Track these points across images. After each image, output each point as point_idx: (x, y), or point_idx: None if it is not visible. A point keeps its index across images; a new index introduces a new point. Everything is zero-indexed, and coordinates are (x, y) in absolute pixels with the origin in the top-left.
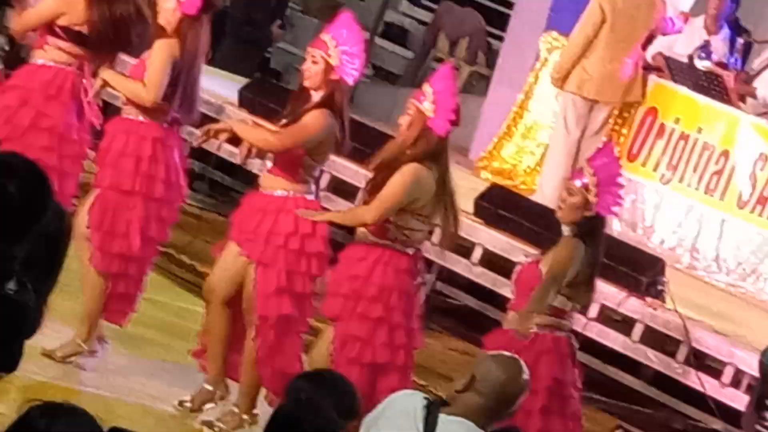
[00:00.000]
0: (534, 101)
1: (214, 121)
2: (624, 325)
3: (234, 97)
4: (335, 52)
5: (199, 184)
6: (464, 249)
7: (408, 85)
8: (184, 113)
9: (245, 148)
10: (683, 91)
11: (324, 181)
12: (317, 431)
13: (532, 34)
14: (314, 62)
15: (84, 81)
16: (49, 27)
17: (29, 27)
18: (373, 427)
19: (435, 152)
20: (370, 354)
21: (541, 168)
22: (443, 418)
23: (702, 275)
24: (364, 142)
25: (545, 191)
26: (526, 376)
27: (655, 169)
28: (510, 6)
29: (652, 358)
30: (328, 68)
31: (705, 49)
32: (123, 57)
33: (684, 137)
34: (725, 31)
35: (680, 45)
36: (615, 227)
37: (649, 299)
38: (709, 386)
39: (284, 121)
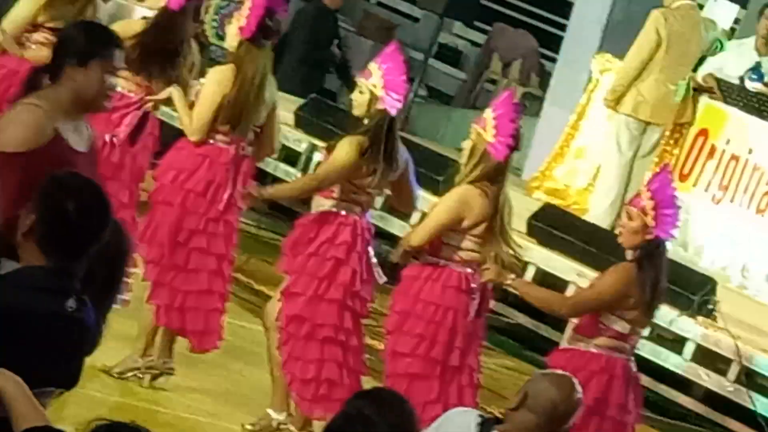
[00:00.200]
0: (586, 122)
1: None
2: (675, 344)
3: (290, 118)
4: (380, 83)
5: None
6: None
7: (461, 106)
8: (238, 135)
9: None
10: (734, 112)
11: (379, 200)
12: None
13: (585, 56)
14: (361, 92)
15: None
16: None
17: None
18: None
19: (492, 175)
20: (409, 366)
21: (594, 188)
22: None
23: (753, 294)
24: (418, 163)
25: (597, 211)
26: (579, 394)
27: (706, 190)
28: (563, 28)
29: (703, 377)
30: (374, 98)
31: (756, 70)
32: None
33: (735, 158)
34: None
35: (731, 66)
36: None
37: (700, 318)
38: (760, 404)
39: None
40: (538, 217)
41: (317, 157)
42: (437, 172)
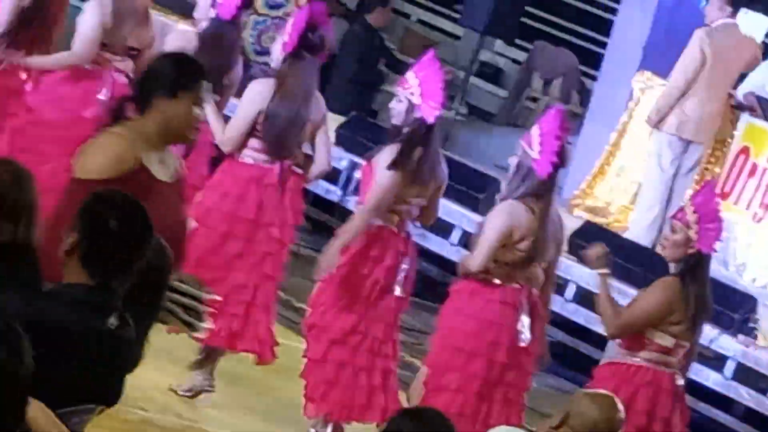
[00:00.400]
0: (627, 140)
1: (310, 158)
2: (716, 362)
3: (331, 136)
4: (417, 91)
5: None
6: (558, 286)
7: (502, 124)
8: (275, 150)
9: None
10: None
11: None
12: None
13: (626, 74)
14: (399, 101)
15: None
16: None
17: None
18: None
19: (538, 192)
20: (448, 381)
21: (635, 206)
22: None
23: None
24: (459, 180)
25: (638, 229)
26: (621, 414)
27: (747, 208)
28: (603, 45)
29: (744, 395)
30: (411, 106)
31: None
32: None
33: None
34: None
35: None
36: None
37: (741, 337)
38: None
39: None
40: (579, 235)
41: (357, 175)
42: (477, 190)
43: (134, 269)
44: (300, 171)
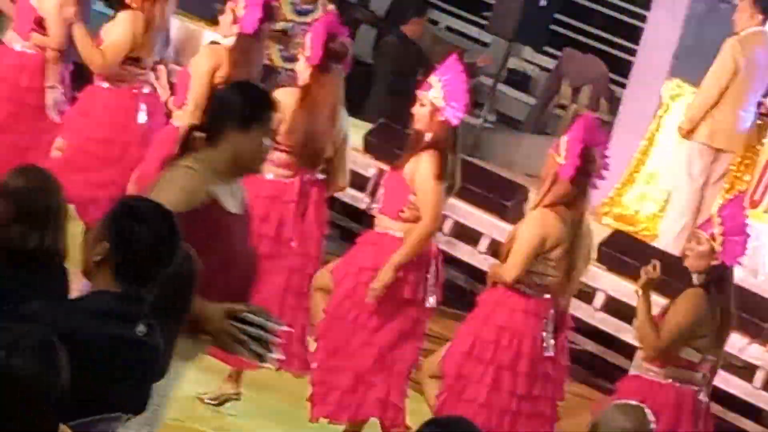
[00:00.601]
0: (657, 147)
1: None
2: (745, 371)
3: (359, 143)
4: (440, 94)
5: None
6: (586, 294)
7: (531, 132)
8: (307, 160)
9: None
10: None
11: (447, 226)
12: None
13: (655, 81)
14: (422, 105)
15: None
16: None
17: None
18: None
19: (568, 200)
20: (469, 393)
21: (664, 214)
22: None
23: None
24: (487, 188)
25: (667, 238)
26: (652, 425)
27: None
28: (633, 53)
29: None
30: (435, 110)
31: None
32: None
33: None
34: None
35: None
36: (737, 273)
37: None
38: None
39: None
40: (607, 244)
41: None
42: (506, 198)
43: (162, 277)
44: (323, 177)
